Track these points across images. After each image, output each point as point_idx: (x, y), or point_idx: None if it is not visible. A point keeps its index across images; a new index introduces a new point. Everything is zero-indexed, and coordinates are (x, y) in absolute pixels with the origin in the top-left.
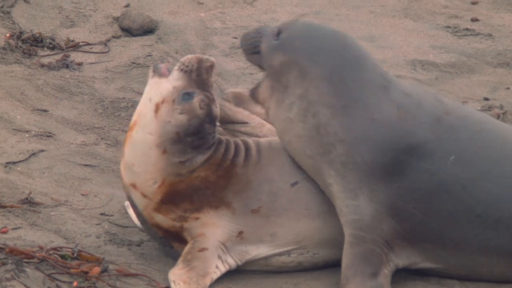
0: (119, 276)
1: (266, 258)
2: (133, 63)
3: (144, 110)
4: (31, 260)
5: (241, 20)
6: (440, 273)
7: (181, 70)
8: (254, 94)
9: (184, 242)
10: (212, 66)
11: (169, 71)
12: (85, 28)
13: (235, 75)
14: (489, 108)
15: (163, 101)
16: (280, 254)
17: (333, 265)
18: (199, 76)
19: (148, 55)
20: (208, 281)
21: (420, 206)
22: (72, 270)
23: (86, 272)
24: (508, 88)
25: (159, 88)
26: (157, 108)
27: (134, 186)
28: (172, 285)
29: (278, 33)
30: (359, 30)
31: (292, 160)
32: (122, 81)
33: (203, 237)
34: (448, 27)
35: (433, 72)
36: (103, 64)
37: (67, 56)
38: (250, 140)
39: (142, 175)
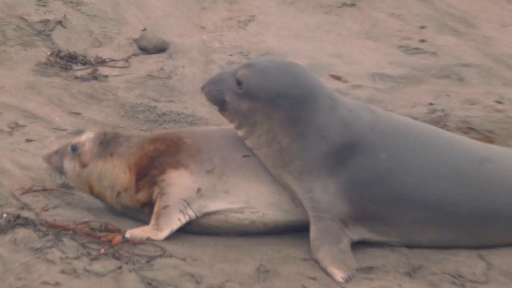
0: (136, 244)
1: (224, 214)
2: (148, 75)
3: (83, 179)
4: (67, 232)
5: (236, 41)
6: (387, 244)
7: (61, 167)
8: (222, 115)
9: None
10: (46, 153)
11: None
12: (110, 48)
13: None
14: (433, 111)
15: (80, 162)
16: (235, 211)
17: (283, 229)
18: (57, 153)
19: (161, 69)
20: (167, 232)
21: (363, 194)
22: (101, 239)
23: (110, 241)
24: (448, 96)
25: (72, 170)
26: (84, 164)
27: (118, 193)
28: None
29: (238, 83)
30: (330, 49)
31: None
32: (140, 89)
33: (166, 196)
34: (401, 46)
35: (389, 82)
36: (124, 76)
37: (96, 70)
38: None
39: (117, 180)
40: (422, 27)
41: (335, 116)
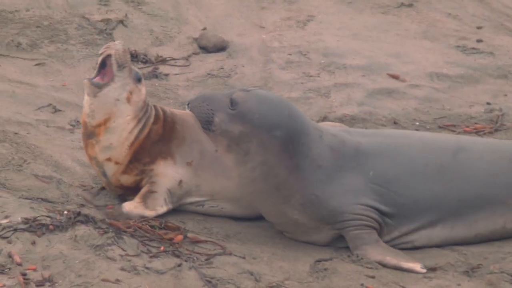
0: (196, 242)
1: (190, 205)
2: (208, 74)
3: (114, 109)
4: (127, 230)
5: (295, 41)
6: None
7: (122, 67)
8: (206, 134)
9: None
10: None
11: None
12: (171, 47)
13: (289, 84)
14: (491, 111)
15: (131, 92)
16: (197, 204)
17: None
18: (130, 61)
19: (221, 68)
20: (153, 213)
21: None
22: (164, 237)
23: (172, 239)
24: (505, 95)
25: (118, 90)
26: (128, 99)
27: (109, 159)
28: (124, 210)
29: (232, 103)
30: (388, 49)
31: None
32: (200, 88)
33: (155, 184)
34: (458, 46)
35: (447, 82)
36: (185, 75)
37: (157, 69)
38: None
39: (119, 147)
40: (479, 27)
41: (324, 145)
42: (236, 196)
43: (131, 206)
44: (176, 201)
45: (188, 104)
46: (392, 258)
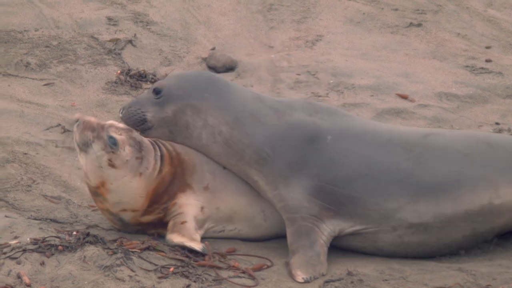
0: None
1: (210, 230)
2: None
3: (103, 174)
4: (135, 250)
5: (303, 60)
6: (367, 233)
7: (87, 146)
8: (147, 137)
9: (162, 226)
10: (84, 119)
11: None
12: (179, 67)
13: None
14: (500, 131)
15: (109, 159)
16: (218, 231)
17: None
18: (93, 131)
19: None
20: (197, 240)
21: (325, 179)
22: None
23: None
24: None
25: (96, 160)
26: (112, 165)
27: (124, 210)
28: (177, 242)
29: (157, 92)
30: (397, 69)
31: None
32: None
33: (182, 215)
34: (467, 66)
35: (455, 102)
36: None
37: None
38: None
39: (131, 201)
40: (488, 47)
41: (265, 105)
42: (251, 213)
43: (178, 238)
44: (201, 228)
45: (120, 114)
46: (294, 262)
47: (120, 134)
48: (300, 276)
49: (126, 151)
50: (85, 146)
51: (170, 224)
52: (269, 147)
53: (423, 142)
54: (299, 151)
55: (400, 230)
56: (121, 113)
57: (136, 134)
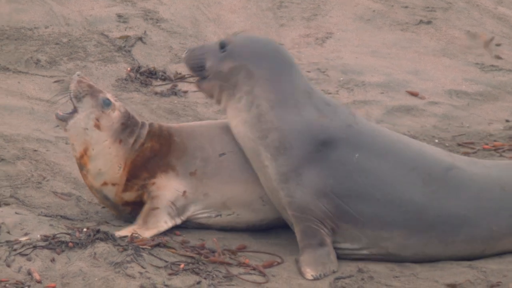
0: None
1: (205, 217)
2: None
3: (86, 138)
4: (145, 247)
5: (313, 58)
6: (358, 254)
7: (80, 98)
8: (200, 87)
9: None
10: (83, 76)
11: (67, 111)
12: None
13: None
14: (510, 128)
15: (97, 119)
16: (214, 215)
17: (253, 228)
18: (90, 88)
19: None
20: (153, 232)
21: (335, 189)
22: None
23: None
24: None
25: (83, 119)
26: (97, 126)
27: (105, 183)
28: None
29: (222, 46)
30: (407, 66)
31: (221, 135)
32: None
33: (157, 199)
34: (477, 63)
35: (465, 99)
36: None
37: (175, 86)
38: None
39: (110, 170)
40: (498, 45)
41: (311, 103)
42: (247, 199)
43: (123, 232)
44: (183, 213)
45: (184, 57)
46: (304, 260)
47: (116, 101)
48: (309, 273)
49: (115, 114)
50: (77, 99)
51: (145, 207)
52: (296, 140)
53: (443, 177)
54: (323, 156)
55: (374, 255)
56: (185, 53)
57: (128, 108)
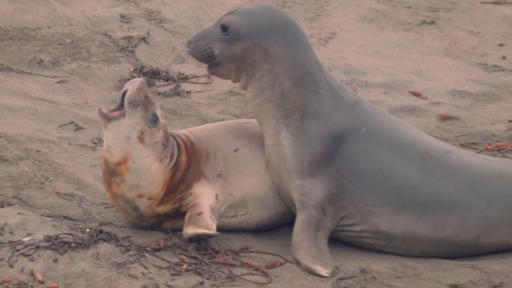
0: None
1: (223, 220)
2: (230, 91)
3: (128, 147)
4: (148, 247)
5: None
6: (346, 231)
7: (134, 105)
8: (215, 73)
9: (177, 217)
10: (145, 84)
11: (110, 108)
12: (192, 64)
13: None
14: None
15: (142, 132)
16: (231, 215)
17: (263, 227)
18: (146, 99)
19: None
20: (214, 230)
21: (340, 168)
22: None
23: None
24: None
25: (127, 127)
26: (140, 139)
27: (141, 196)
28: (191, 233)
29: (224, 29)
30: (410, 66)
31: (228, 134)
32: (222, 106)
33: (198, 205)
34: (480, 63)
35: (468, 99)
36: (206, 92)
37: (179, 86)
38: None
39: (149, 186)
40: (501, 45)
41: (324, 77)
42: (261, 191)
43: (191, 229)
44: (218, 216)
45: (187, 47)
46: (305, 258)
47: (163, 119)
48: (323, 271)
49: (159, 134)
50: (130, 105)
51: (187, 216)
52: (313, 121)
53: (440, 157)
54: (334, 136)
55: (365, 233)
56: (188, 47)
57: (168, 128)
